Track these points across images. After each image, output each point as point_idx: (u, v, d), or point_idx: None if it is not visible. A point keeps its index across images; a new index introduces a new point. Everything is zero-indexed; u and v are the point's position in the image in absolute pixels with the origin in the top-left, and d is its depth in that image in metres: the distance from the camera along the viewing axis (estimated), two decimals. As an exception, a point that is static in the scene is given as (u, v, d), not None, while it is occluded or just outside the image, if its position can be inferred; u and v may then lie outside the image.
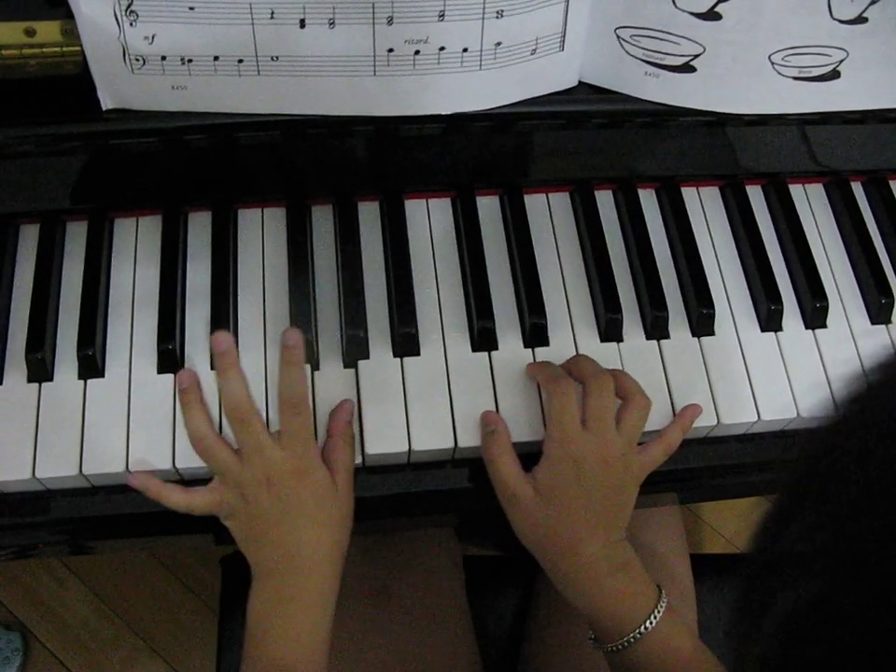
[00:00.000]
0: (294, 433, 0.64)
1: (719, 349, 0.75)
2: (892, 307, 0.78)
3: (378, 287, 0.75)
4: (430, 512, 0.75)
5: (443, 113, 0.68)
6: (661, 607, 0.65)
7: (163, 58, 0.62)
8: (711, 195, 0.82)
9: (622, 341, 0.74)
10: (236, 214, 0.77)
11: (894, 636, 0.27)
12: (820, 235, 0.82)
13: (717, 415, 0.72)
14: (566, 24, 0.65)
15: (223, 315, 0.72)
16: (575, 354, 0.73)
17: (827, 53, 0.67)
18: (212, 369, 0.70)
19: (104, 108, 0.66)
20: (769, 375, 0.74)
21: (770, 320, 0.76)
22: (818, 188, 0.84)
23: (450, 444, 0.69)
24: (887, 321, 0.78)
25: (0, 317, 0.72)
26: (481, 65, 0.64)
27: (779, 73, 0.68)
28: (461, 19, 0.61)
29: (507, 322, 0.74)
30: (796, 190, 0.83)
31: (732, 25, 0.64)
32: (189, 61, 0.62)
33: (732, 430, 0.73)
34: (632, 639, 0.64)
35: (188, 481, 0.68)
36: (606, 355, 0.73)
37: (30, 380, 0.69)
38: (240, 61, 0.62)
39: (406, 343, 0.71)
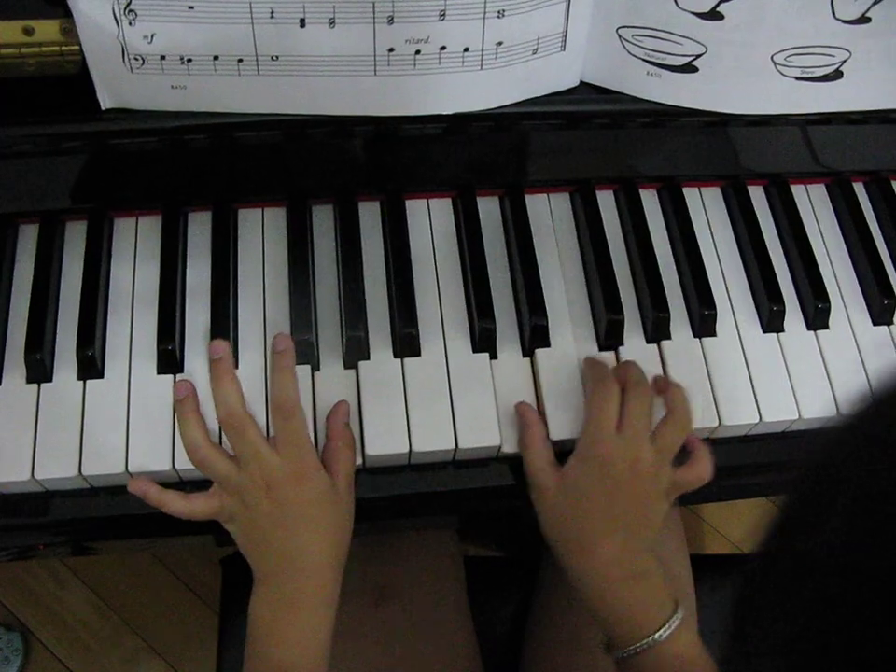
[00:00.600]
0: (288, 438, 0.64)
1: (720, 350, 0.75)
2: (895, 308, 0.77)
3: (379, 287, 0.74)
4: (431, 514, 0.75)
5: (444, 113, 0.67)
6: (674, 621, 0.64)
7: (163, 57, 0.62)
8: (713, 195, 0.82)
9: (622, 343, 0.74)
10: (236, 214, 0.77)
11: None
12: (822, 236, 0.82)
13: (718, 417, 0.72)
14: (567, 24, 0.65)
15: (223, 315, 0.71)
16: (577, 356, 0.72)
17: (830, 53, 0.66)
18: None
19: (103, 108, 0.66)
20: (771, 376, 0.74)
21: (772, 321, 0.76)
22: (820, 188, 0.84)
23: (451, 445, 0.68)
24: (889, 322, 0.77)
25: (-1, 318, 0.71)
26: (482, 65, 0.64)
27: (782, 73, 0.67)
28: (462, 18, 0.61)
29: (508, 323, 0.74)
30: (798, 191, 0.83)
31: (734, 25, 0.64)
32: (189, 60, 0.62)
33: (733, 432, 0.73)
34: (639, 649, 0.64)
35: (187, 482, 0.68)
36: (606, 355, 0.73)
37: (29, 380, 0.69)
38: (240, 60, 0.62)
39: (407, 344, 0.71)
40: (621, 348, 0.74)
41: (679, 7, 0.63)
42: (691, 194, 0.81)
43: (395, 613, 0.87)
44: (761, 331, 0.76)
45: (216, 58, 0.62)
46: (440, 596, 0.90)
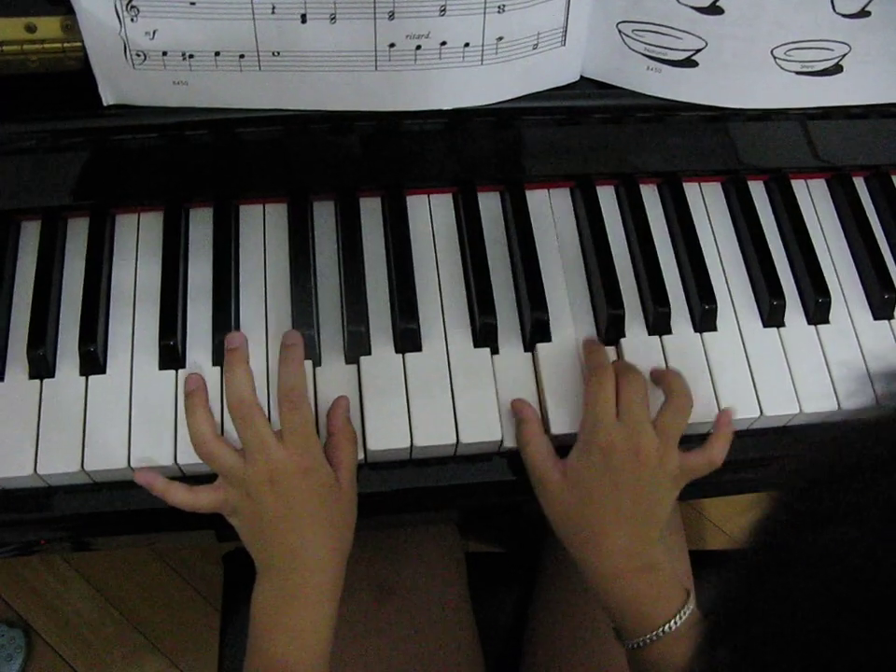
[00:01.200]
0: (294, 429, 0.64)
1: (721, 345, 0.75)
2: (895, 302, 0.77)
3: (380, 282, 0.75)
4: (433, 509, 0.75)
5: (445, 108, 0.67)
6: (683, 613, 0.64)
7: (164, 53, 0.62)
8: (713, 191, 0.82)
9: (623, 337, 0.74)
10: (238, 210, 0.77)
11: None
12: (823, 231, 0.82)
13: (719, 411, 0.72)
14: (567, 19, 0.65)
15: (225, 310, 0.72)
16: (578, 350, 0.73)
17: (829, 48, 0.67)
18: (213, 365, 0.70)
19: (105, 104, 0.66)
20: (771, 371, 0.74)
21: (772, 316, 0.76)
22: (820, 183, 0.84)
23: (452, 440, 0.69)
24: (889, 316, 0.77)
25: (1, 314, 0.71)
26: (482, 60, 0.64)
27: (782, 67, 0.68)
28: (463, 13, 0.61)
29: (509, 317, 0.74)
30: (798, 186, 0.83)
31: (734, 19, 0.64)
32: (191, 56, 0.62)
33: (734, 426, 0.73)
34: (648, 640, 0.64)
35: (189, 477, 0.68)
36: (607, 350, 0.73)
37: (31, 376, 0.69)
38: (241, 56, 0.62)
39: (408, 339, 0.71)
40: (622, 340, 0.74)
41: (678, 2, 0.64)
42: (691, 189, 0.81)
43: (397, 609, 0.87)
44: (761, 326, 0.76)
45: (217, 54, 0.62)
46: (441, 592, 0.90)
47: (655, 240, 0.78)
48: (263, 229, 0.77)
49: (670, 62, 0.67)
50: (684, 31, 0.65)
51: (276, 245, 0.76)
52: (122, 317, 0.72)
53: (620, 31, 0.66)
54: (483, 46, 0.64)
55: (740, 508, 1.65)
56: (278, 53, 0.62)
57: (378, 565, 0.89)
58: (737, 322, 0.76)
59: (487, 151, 0.75)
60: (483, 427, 0.69)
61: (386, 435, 0.68)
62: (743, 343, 0.75)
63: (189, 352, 0.71)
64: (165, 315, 0.71)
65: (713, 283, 0.76)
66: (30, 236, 0.75)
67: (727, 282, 0.78)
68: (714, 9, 0.64)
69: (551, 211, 0.80)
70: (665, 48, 0.66)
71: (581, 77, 0.71)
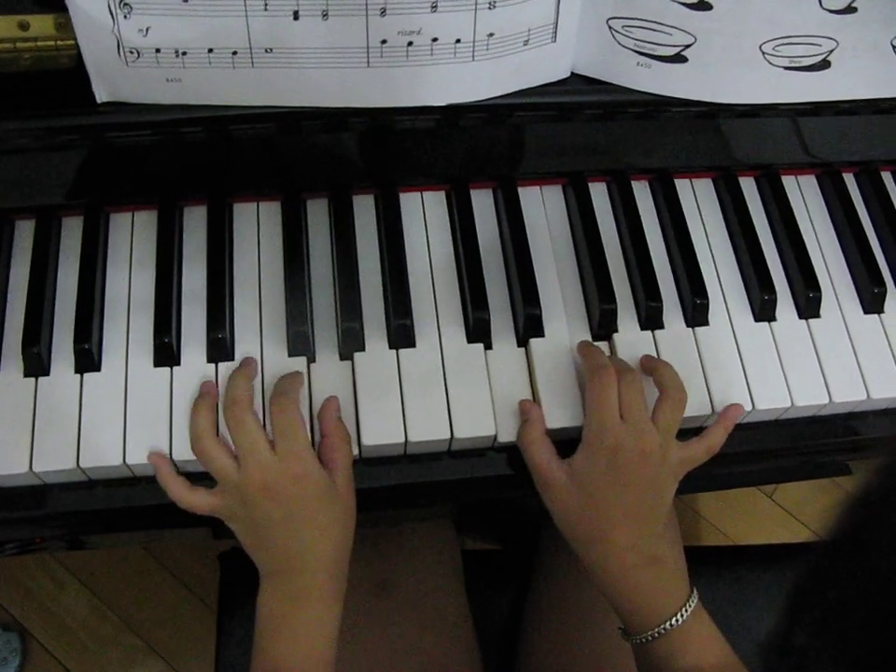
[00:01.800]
0: (284, 433, 0.64)
1: (713, 339, 0.75)
2: (885, 297, 0.78)
3: (373, 279, 0.75)
4: (427, 504, 0.75)
5: (437, 104, 0.68)
6: (689, 606, 0.65)
7: (158, 50, 0.62)
8: (705, 187, 0.83)
9: (616, 331, 0.74)
10: (231, 208, 0.77)
11: None
12: (813, 226, 0.82)
13: (711, 405, 0.72)
14: (558, 15, 0.66)
15: (219, 308, 0.72)
16: (571, 345, 0.73)
17: (817, 43, 0.67)
18: (208, 362, 0.71)
19: (98, 102, 0.66)
20: (763, 365, 0.74)
21: (764, 310, 0.76)
22: (810, 179, 0.85)
23: (446, 435, 0.69)
24: (879, 311, 0.78)
25: (-4, 312, 0.72)
26: (473, 56, 0.65)
27: (770, 62, 0.68)
28: (454, 10, 0.62)
29: (502, 313, 0.74)
30: (789, 182, 0.84)
31: (722, 15, 0.64)
32: (184, 53, 0.62)
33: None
34: (656, 634, 0.65)
35: (184, 475, 0.68)
36: (600, 345, 0.73)
37: (26, 374, 0.70)
38: (234, 53, 0.63)
39: (401, 335, 0.72)
40: (615, 336, 0.74)
41: (668, -2, 0.64)
42: (683, 185, 0.82)
43: (395, 605, 0.87)
44: (752, 320, 0.77)
45: (210, 51, 0.62)
46: (438, 588, 0.90)
47: (647, 235, 0.78)
48: (257, 226, 0.77)
49: (660, 57, 0.68)
50: (673, 26, 0.65)
51: (270, 243, 0.76)
52: (117, 315, 0.73)
53: (610, 27, 0.67)
54: (474, 42, 0.64)
55: (735, 505, 1.66)
56: (271, 50, 0.63)
57: (375, 561, 0.89)
58: (729, 317, 0.77)
59: (479, 148, 0.76)
60: (477, 422, 0.70)
61: (381, 431, 0.69)
62: (735, 338, 0.76)
63: (184, 349, 0.71)
64: (160, 313, 0.71)
65: (705, 278, 0.77)
66: (24, 235, 0.75)
67: (718, 277, 0.78)
68: (703, 5, 0.64)
69: (543, 207, 0.80)
70: (655, 43, 0.67)
71: (572, 73, 0.71)
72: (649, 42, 0.67)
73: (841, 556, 0.34)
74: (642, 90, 0.70)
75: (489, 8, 0.62)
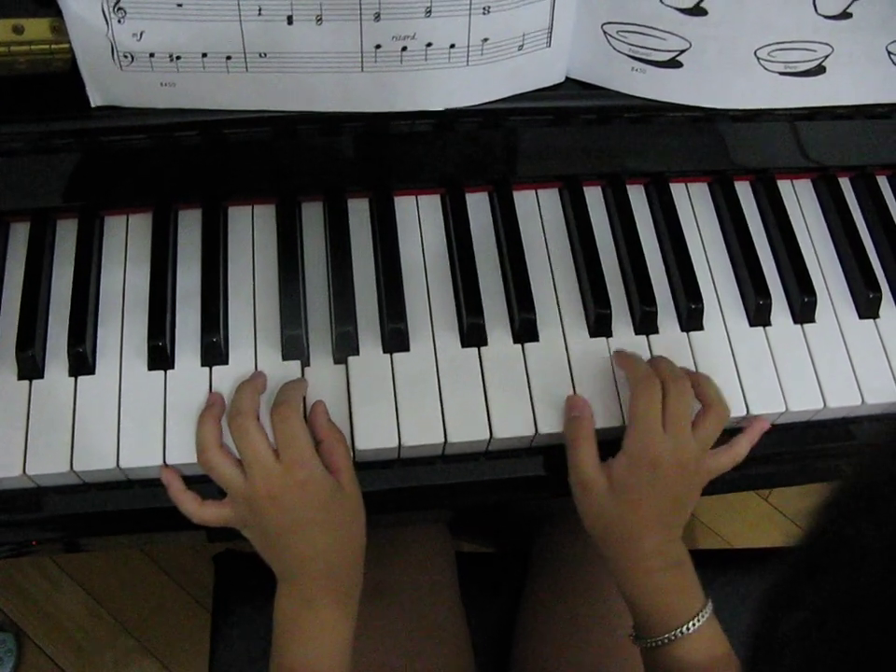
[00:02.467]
0: (286, 441, 0.64)
1: (708, 344, 0.75)
2: (880, 302, 0.78)
3: (368, 283, 0.75)
4: (422, 508, 0.75)
5: (430, 109, 0.68)
6: (705, 613, 0.66)
7: (152, 55, 0.62)
8: (700, 191, 0.83)
9: (611, 335, 0.74)
10: (226, 211, 0.77)
11: None
12: (809, 230, 0.82)
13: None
14: (552, 20, 0.66)
15: (213, 311, 0.72)
16: (566, 349, 0.73)
17: (812, 48, 0.67)
18: (202, 365, 0.71)
19: (93, 105, 0.66)
20: (758, 370, 0.74)
21: (759, 315, 0.76)
22: (806, 183, 0.85)
23: (439, 440, 0.69)
24: (874, 316, 0.78)
25: (-9, 315, 0.72)
26: (468, 61, 0.65)
27: (765, 68, 0.68)
28: (448, 15, 0.62)
29: (496, 317, 0.74)
30: (784, 186, 0.84)
31: (717, 20, 0.64)
32: (178, 57, 0.62)
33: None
34: (672, 637, 0.65)
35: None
36: (595, 350, 0.73)
37: (20, 377, 0.69)
38: (228, 57, 0.63)
39: (396, 340, 0.72)
40: (609, 340, 0.74)
41: (662, 3, 0.64)
42: (678, 190, 0.82)
43: (389, 608, 0.87)
44: (747, 325, 0.77)
45: (204, 55, 0.62)
46: (432, 591, 0.90)
47: (642, 240, 0.78)
48: (252, 229, 0.77)
49: (654, 62, 0.68)
50: (668, 32, 0.65)
51: (265, 246, 0.76)
52: (111, 318, 0.73)
53: (605, 32, 0.67)
54: (468, 47, 0.64)
55: (731, 509, 1.66)
56: (265, 55, 0.63)
57: (369, 564, 0.89)
58: (724, 321, 0.76)
59: (474, 152, 0.76)
60: (471, 426, 0.70)
61: (375, 435, 0.69)
62: (729, 343, 0.75)
63: (178, 353, 0.71)
64: (154, 316, 0.71)
65: (700, 282, 0.76)
66: (19, 237, 0.75)
67: (713, 281, 0.78)
68: (698, 10, 0.64)
69: (538, 211, 0.80)
70: (650, 48, 0.67)
71: (567, 77, 0.71)
72: (643, 47, 0.67)
73: (827, 551, 0.34)
74: (637, 95, 0.70)
75: (484, 14, 0.62)
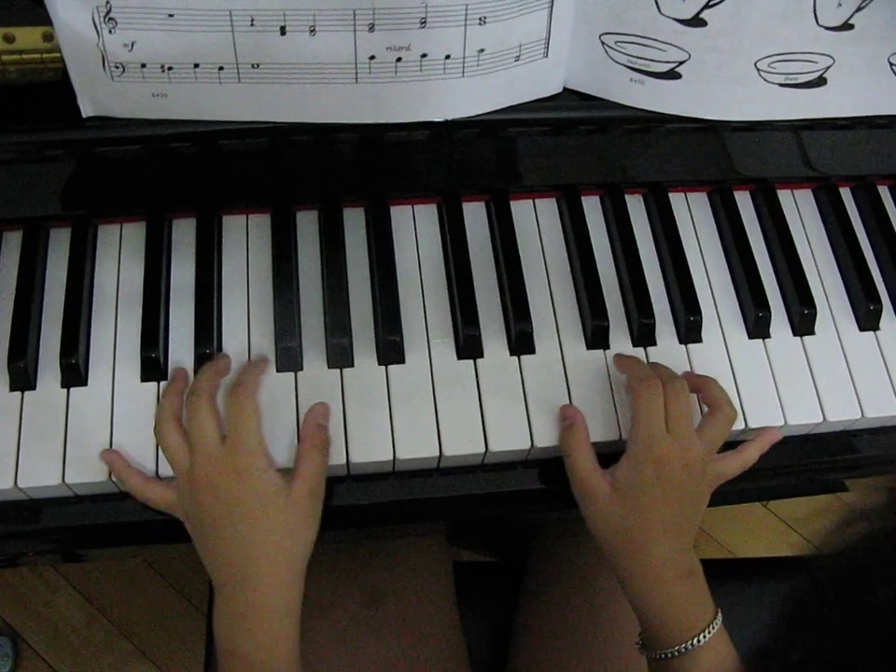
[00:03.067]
0: (235, 426, 0.62)
1: (706, 356, 0.74)
2: (881, 314, 0.77)
3: (363, 293, 0.74)
4: (416, 521, 0.75)
5: (426, 120, 0.67)
6: (715, 624, 0.65)
7: (143, 65, 0.61)
8: (699, 201, 0.82)
9: (608, 348, 0.74)
10: (221, 220, 0.77)
11: None
12: (809, 241, 0.82)
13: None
14: (549, 31, 0.65)
15: (207, 322, 0.71)
16: (563, 361, 0.72)
17: (813, 60, 0.66)
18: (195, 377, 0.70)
19: (84, 116, 0.65)
20: (757, 382, 0.74)
21: (758, 327, 0.76)
22: (806, 193, 0.84)
23: (435, 453, 0.68)
24: (875, 328, 0.77)
25: (-17, 326, 0.71)
26: (464, 72, 0.64)
27: (765, 79, 0.67)
28: (443, 25, 0.61)
29: (492, 329, 0.73)
30: (785, 196, 0.83)
31: (717, 32, 0.63)
32: (170, 68, 0.62)
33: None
34: (683, 649, 0.64)
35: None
36: (593, 362, 0.73)
37: (12, 388, 0.69)
38: (220, 68, 0.62)
39: (391, 351, 0.71)
40: (606, 352, 0.73)
41: (661, 14, 0.63)
42: (677, 200, 0.81)
43: (386, 616, 0.87)
44: (746, 337, 0.76)
45: (196, 66, 0.62)
46: (429, 600, 0.90)
47: (641, 250, 0.78)
48: (246, 239, 0.76)
49: (653, 73, 0.67)
50: (667, 43, 0.65)
51: (259, 256, 0.75)
52: (104, 329, 0.72)
53: (603, 42, 0.66)
54: (464, 58, 0.63)
55: (732, 517, 1.66)
56: (258, 65, 0.62)
57: (366, 573, 0.89)
58: (723, 333, 0.76)
59: (471, 162, 0.75)
60: (467, 439, 0.69)
61: (369, 447, 0.68)
62: (728, 355, 0.75)
63: (171, 364, 0.71)
64: (147, 328, 0.71)
65: (698, 294, 0.76)
66: (11, 247, 0.75)
67: (712, 293, 0.78)
68: (697, 21, 0.63)
69: (536, 222, 0.79)
70: (648, 59, 0.66)
71: (565, 88, 0.70)
72: (642, 58, 0.66)
73: (843, 583, 0.34)
74: (635, 106, 0.69)
75: (480, 24, 0.61)
